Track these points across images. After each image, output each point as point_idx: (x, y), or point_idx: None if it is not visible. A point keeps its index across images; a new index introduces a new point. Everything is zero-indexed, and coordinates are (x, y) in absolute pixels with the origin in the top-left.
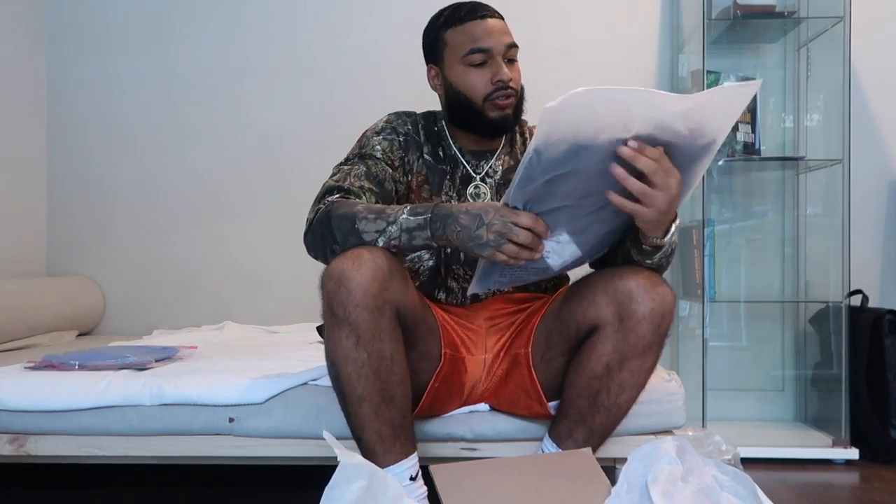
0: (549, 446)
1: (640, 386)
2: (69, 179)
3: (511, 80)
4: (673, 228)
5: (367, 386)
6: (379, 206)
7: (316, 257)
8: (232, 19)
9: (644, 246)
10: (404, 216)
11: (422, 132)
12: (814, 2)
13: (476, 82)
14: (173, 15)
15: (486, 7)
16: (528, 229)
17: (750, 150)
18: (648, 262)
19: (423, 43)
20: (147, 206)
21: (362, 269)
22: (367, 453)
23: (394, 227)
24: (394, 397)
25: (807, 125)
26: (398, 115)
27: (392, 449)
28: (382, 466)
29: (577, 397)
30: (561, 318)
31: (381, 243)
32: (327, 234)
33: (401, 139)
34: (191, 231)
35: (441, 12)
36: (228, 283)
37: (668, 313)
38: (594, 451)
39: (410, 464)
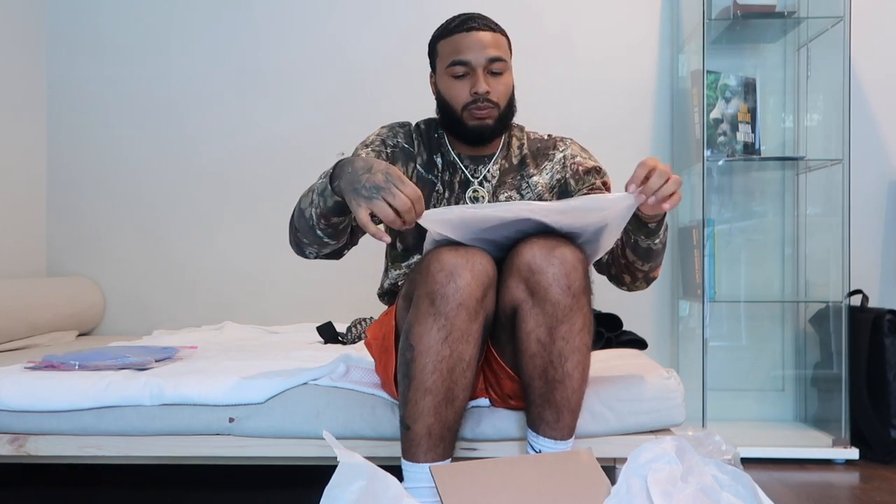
0: (532, 437)
1: (582, 349)
2: (69, 179)
3: (489, 92)
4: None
5: (437, 381)
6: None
7: (298, 254)
8: (233, 22)
9: (650, 225)
10: (319, 180)
11: (416, 141)
12: (814, 2)
13: (457, 92)
14: (174, 16)
15: (477, 19)
16: (409, 199)
17: (750, 150)
18: (657, 241)
19: (427, 51)
20: (147, 206)
21: (475, 270)
22: (409, 444)
23: (315, 194)
24: (455, 399)
25: (807, 125)
26: (390, 127)
27: (436, 448)
28: (420, 461)
29: (531, 380)
30: (496, 307)
31: (314, 215)
32: (291, 227)
33: (388, 151)
34: (191, 231)
35: (443, 23)
36: (228, 283)
37: (574, 270)
38: (570, 427)
39: None
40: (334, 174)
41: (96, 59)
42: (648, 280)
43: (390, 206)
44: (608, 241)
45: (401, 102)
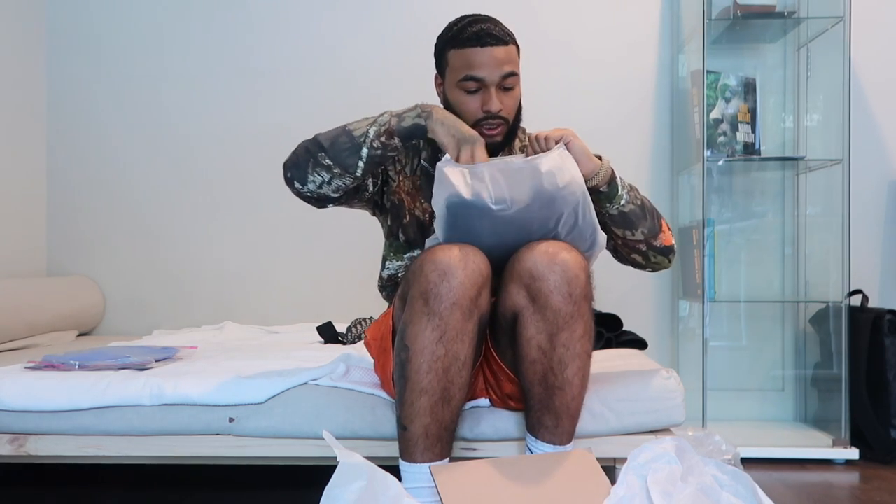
0: (531, 441)
1: (582, 356)
2: (69, 179)
3: (501, 109)
4: (603, 161)
5: (433, 381)
6: None
7: (293, 178)
8: (233, 20)
9: (601, 189)
10: (392, 110)
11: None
12: (814, 2)
13: (467, 108)
14: (174, 18)
15: (490, 32)
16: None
17: (750, 150)
18: (623, 202)
19: (434, 51)
20: (147, 206)
21: (468, 268)
22: (407, 444)
23: (384, 116)
24: (452, 399)
25: (807, 125)
26: None
27: (433, 448)
28: (417, 462)
29: (531, 385)
30: (496, 311)
31: (371, 134)
32: (312, 147)
33: None
34: (191, 231)
35: (453, 24)
36: (228, 283)
37: (575, 278)
38: (569, 433)
39: None
40: (424, 108)
41: (96, 60)
42: (660, 251)
43: (473, 155)
44: (588, 225)
45: (397, 102)
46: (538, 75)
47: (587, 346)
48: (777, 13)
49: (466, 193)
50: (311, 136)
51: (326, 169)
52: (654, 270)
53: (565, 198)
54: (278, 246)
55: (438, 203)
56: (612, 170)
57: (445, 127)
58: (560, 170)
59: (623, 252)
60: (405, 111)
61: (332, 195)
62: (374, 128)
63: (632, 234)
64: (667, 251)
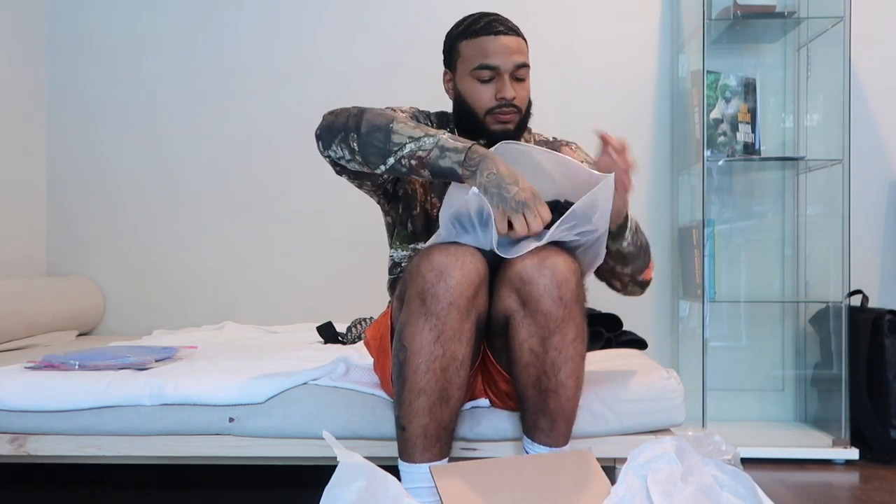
0: (528, 444)
1: (575, 359)
2: (69, 179)
3: (515, 98)
4: (626, 207)
5: (431, 381)
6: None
7: (320, 136)
8: (232, 21)
9: (611, 229)
10: (444, 135)
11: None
12: (814, 2)
13: (481, 96)
14: (174, 19)
15: (503, 23)
16: (543, 221)
17: (750, 150)
18: (625, 243)
19: (443, 47)
20: (147, 206)
21: (465, 268)
22: (405, 444)
23: (429, 139)
24: (450, 399)
25: (807, 125)
26: (417, 109)
27: (432, 448)
28: (416, 462)
29: (525, 388)
30: (490, 315)
31: (406, 150)
32: (351, 123)
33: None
34: (191, 231)
35: (462, 21)
36: (228, 283)
37: (565, 281)
38: (565, 435)
39: None
40: (471, 157)
41: (96, 60)
42: (639, 284)
43: (527, 223)
44: (602, 241)
45: (399, 101)
46: (537, 76)
47: (580, 349)
48: (777, 13)
49: (478, 229)
50: (362, 106)
51: (350, 151)
52: (627, 295)
53: (588, 232)
54: (278, 246)
55: (445, 215)
56: (628, 210)
57: (489, 195)
58: (602, 212)
59: (605, 275)
60: (452, 146)
61: (348, 168)
62: (412, 145)
63: (621, 268)
64: (644, 284)
